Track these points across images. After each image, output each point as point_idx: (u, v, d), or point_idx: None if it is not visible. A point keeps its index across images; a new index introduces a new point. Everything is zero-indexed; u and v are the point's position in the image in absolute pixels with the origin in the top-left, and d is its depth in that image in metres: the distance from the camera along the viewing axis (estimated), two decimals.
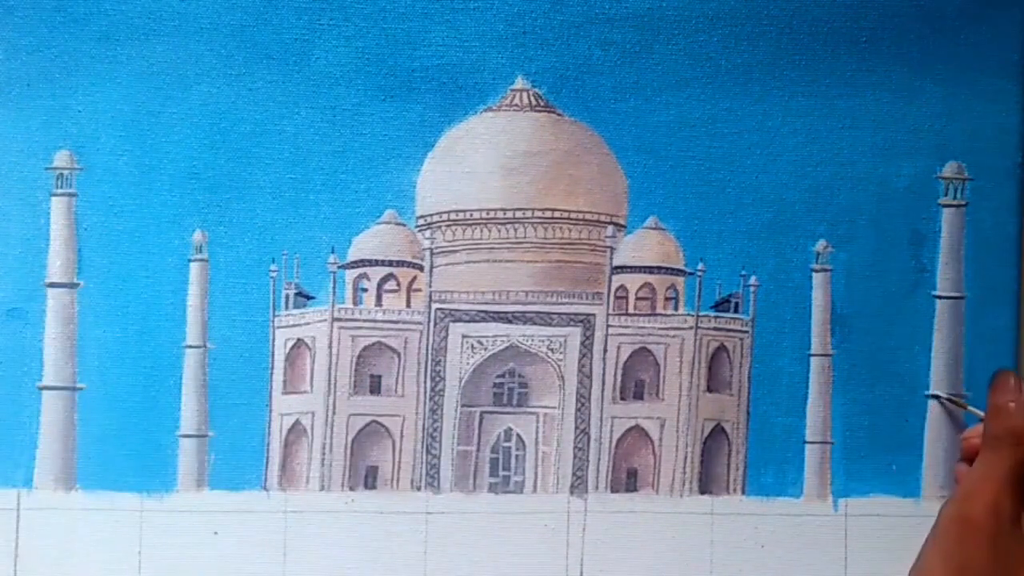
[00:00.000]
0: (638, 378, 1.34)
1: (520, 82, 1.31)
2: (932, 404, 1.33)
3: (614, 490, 1.32)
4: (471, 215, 1.32)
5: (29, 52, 1.28)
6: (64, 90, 1.28)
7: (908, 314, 1.33)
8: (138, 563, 1.28)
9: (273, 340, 1.30)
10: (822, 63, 1.32)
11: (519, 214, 1.32)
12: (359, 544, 1.30)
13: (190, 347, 1.29)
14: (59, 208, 1.28)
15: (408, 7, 1.29)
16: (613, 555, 1.31)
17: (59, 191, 1.28)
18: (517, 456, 1.32)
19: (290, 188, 1.30)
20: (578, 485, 1.32)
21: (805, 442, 1.33)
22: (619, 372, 1.34)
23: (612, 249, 1.34)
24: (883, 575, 1.32)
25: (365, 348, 1.33)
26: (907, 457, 1.33)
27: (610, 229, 1.34)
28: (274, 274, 1.30)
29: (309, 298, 1.32)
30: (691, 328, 1.34)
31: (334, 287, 1.32)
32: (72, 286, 1.28)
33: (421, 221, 1.33)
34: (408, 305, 1.34)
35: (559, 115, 1.31)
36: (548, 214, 1.32)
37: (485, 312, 1.33)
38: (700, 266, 1.33)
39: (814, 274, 1.33)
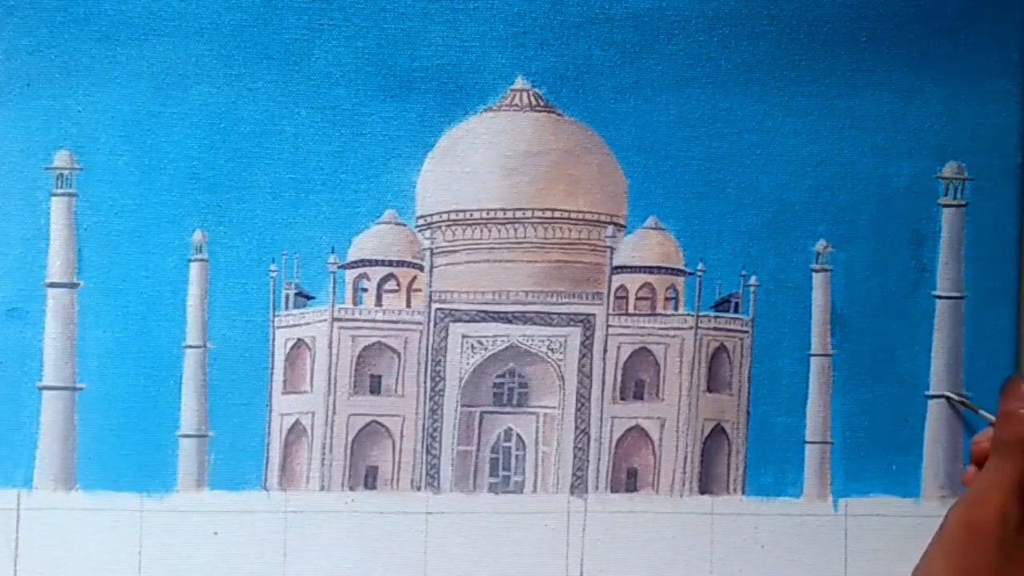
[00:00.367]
0: (638, 378, 1.34)
1: (520, 82, 1.31)
2: (932, 404, 1.33)
3: (614, 490, 1.32)
4: (471, 215, 1.32)
5: (29, 52, 1.28)
6: (64, 90, 1.28)
7: (908, 314, 1.33)
8: (138, 563, 1.28)
9: (273, 340, 1.31)
10: (822, 63, 1.32)
11: (519, 214, 1.32)
12: (359, 544, 1.30)
13: (190, 347, 1.29)
14: (59, 208, 1.28)
15: (408, 7, 1.29)
16: (613, 555, 1.31)
17: (59, 191, 1.28)
18: (517, 456, 1.32)
19: (290, 188, 1.30)
20: (578, 485, 1.32)
21: (805, 442, 1.33)
22: (619, 372, 1.34)
23: (612, 249, 1.34)
24: (883, 575, 1.32)
25: (365, 348, 1.33)
26: (907, 457, 1.33)
27: (610, 229, 1.34)
28: (274, 274, 1.30)
29: (309, 298, 1.32)
30: (691, 328, 1.34)
31: (334, 287, 1.32)
32: (72, 286, 1.29)
33: (421, 221, 1.33)
34: (408, 305, 1.34)
35: (559, 115, 1.31)
36: (548, 214, 1.32)
37: (485, 312, 1.33)
38: (700, 266, 1.33)
39: (814, 274, 1.33)
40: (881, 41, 1.32)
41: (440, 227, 1.33)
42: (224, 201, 1.29)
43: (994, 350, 1.33)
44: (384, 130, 1.30)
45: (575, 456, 1.32)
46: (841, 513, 1.32)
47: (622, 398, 1.34)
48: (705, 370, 1.34)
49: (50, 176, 1.28)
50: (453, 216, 1.32)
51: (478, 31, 1.30)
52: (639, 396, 1.34)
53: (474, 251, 1.33)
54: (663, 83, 1.31)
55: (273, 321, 1.30)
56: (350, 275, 1.33)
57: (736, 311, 1.33)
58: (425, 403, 1.32)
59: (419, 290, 1.34)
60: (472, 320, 1.32)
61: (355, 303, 1.34)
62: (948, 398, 1.32)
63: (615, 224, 1.34)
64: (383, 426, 1.32)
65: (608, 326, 1.34)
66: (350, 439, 1.32)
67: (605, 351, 1.34)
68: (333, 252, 1.31)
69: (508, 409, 1.33)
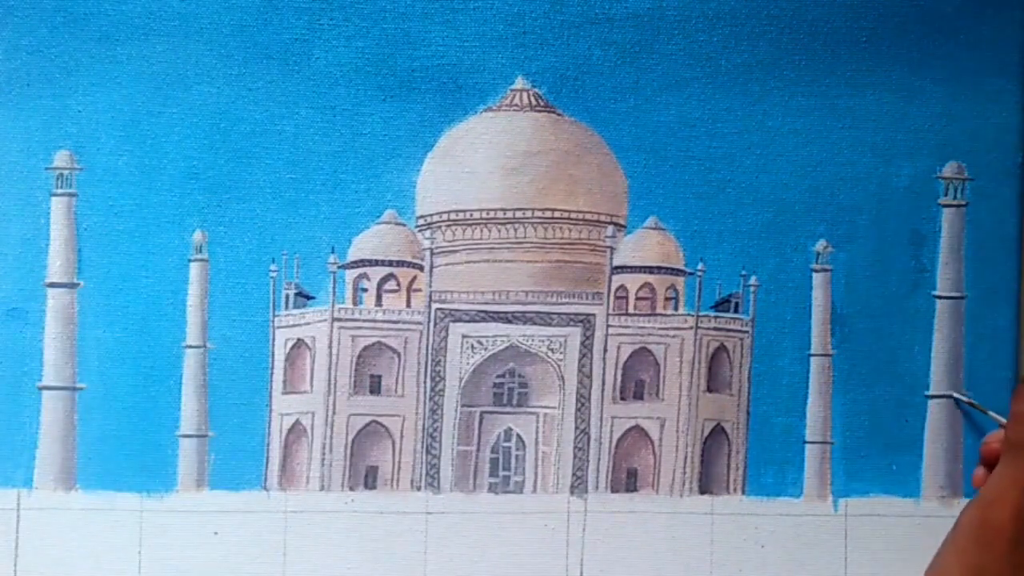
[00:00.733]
0: (638, 378, 1.34)
1: (520, 82, 1.31)
2: (932, 404, 1.33)
3: (614, 490, 1.32)
4: (471, 215, 1.32)
5: (29, 52, 1.28)
6: (64, 90, 1.28)
7: (908, 314, 1.33)
8: (138, 563, 1.28)
9: (273, 340, 1.31)
10: (822, 63, 1.32)
11: (519, 214, 1.32)
12: (359, 544, 1.30)
13: (190, 347, 1.29)
14: (59, 208, 1.28)
15: (408, 7, 1.29)
16: (613, 555, 1.31)
17: (59, 191, 1.28)
18: (517, 456, 1.32)
19: (290, 188, 1.30)
20: (578, 485, 1.32)
21: (805, 442, 1.33)
22: (619, 372, 1.34)
23: (612, 249, 1.34)
24: (883, 575, 1.32)
25: (365, 348, 1.33)
26: (907, 457, 1.33)
27: (610, 229, 1.34)
28: (274, 274, 1.30)
29: (309, 298, 1.32)
30: (691, 328, 1.34)
31: (334, 287, 1.32)
32: (72, 286, 1.28)
33: (421, 221, 1.33)
34: (408, 305, 1.34)
35: (559, 115, 1.31)
36: (548, 214, 1.32)
37: (485, 312, 1.33)
38: (700, 266, 1.33)
39: (814, 274, 1.33)
40: (881, 41, 1.32)
41: (440, 227, 1.33)
42: (224, 201, 1.29)
43: (994, 350, 1.33)
44: (384, 130, 1.30)
45: (575, 456, 1.32)
46: (841, 513, 1.32)
47: (622, 398, 1.34)
48: (705, 370, 1.34)
49: (50, 176, 1.28)
50: (453, 216, 1.32)
51: (478, 31, 1.30)
52: (639, 396, 1.34)
53: (474, 251, 1.33)
54: (663, 83, 1.31)
55: (273, 321, 1.30)
56: (350, 275, 1.33)
57: (736, 311, 1.33)
58: (425, 403, 1.32)
59: (419, 290, 1.34)
60: (472, 320, 1.32)
61: (355, 303, 1.34)
62: (956, 399, 1.32)
63: (615, 224, 1.34)
64: (383, 426, 1.32)
65: (608, 326, 1.34)
66: (350, 439, 1.32)
67: (605, 351, 1.34)
68: (333, 252, 1.31)
69: (508, 409, 1.33)
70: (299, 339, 1.32)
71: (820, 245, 1.33)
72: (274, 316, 1.31)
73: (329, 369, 1.32)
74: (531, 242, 1.33)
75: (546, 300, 1.33)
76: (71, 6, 1.28)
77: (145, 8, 1.28)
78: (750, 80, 1.32)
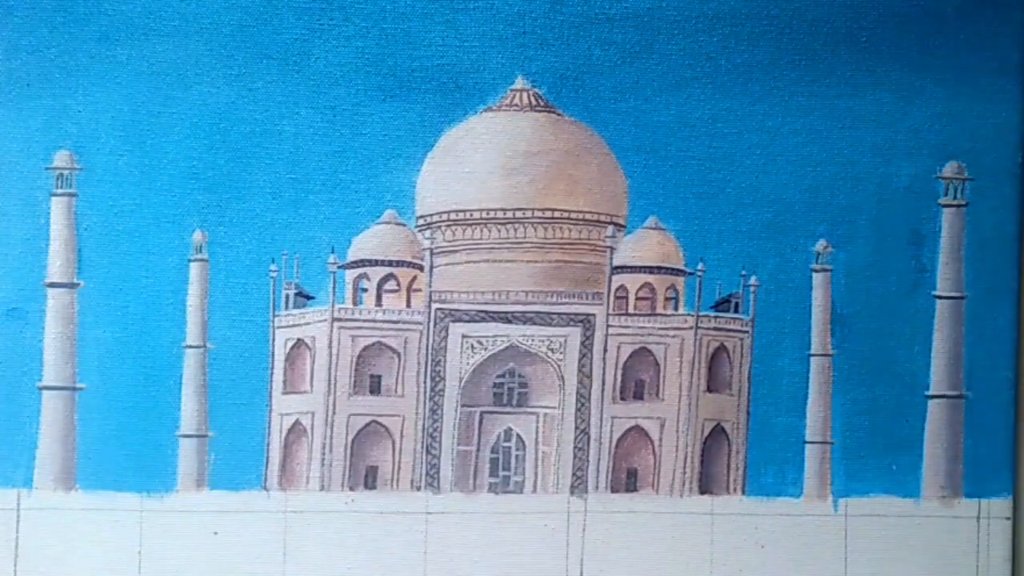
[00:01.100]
0: (638, 378, 1.34)
1: (520, 82, 1.31)
2: (932, 404, 1.33)
3: (614, 490, 1.32)
4: (471, 215, 1.32)
5: (29, 52, 1.28)
6: (64, 90, 1.28)
7: (908, 314, 1.33)
8: (138, 563, 1.28)
9: (273, 340, 1.31)
10: (822, 63, 1.32)
11: (519, 214, 1.32)
12: (359, 544, 1.30)
13: (190, 347, 1.29)
14: (59, 208, 1.28)
15: (408, 7, 1.29)
16: (613, 555, 1.31)
17: (59, 191, 1.28)
18: (517, 456, 1.32)
19: (290, 188, 1.30)
20: (578, 485, 1.32)
21: (805, 442, 1.33)
22: (619, 372, 1.34)
23: (612, 249, 1.34)
24: (883, 575, 1.32)
25: (365, 348, 1.33)
26: (907, 457, 1.33)
27: (610, 229, 1.34)
28: (274, 274, 1.30)
29: (309, 298, 1.32)
30: (691, 328, 1.34)
31: (334, 287, 1.32)
32: (72, 286, 1.29)
33: (421, 221, 1.33)
34: (408, 305, 1.34)
35: (559, 115, 1.31)
36: (548, 214, 1.32)
37: (485, 312, 1.33)
38: (700, 266, 1.33)
39: (814, 274, 1.33)
40: (881, 41, 1.32)
41: (440, 227, 1.33)
42: (224, 201, 1.29)
43: (994, 350, 1.33)
44: (384, 130, 1.30)
45: (575, 456, 1.32)
46: (841, 513, 1.32)
47: (622, 398, 1.34)
48: (705, 370, 1.34)
49: (50, 176, 1.28)
50: (453, 216, 1.32)
51: (478, 31, 1.30)
52: (639, 396, 1.34)
53: (474, 251, 1.33)
54: (663, 83, 1.31)
55: (273, 321, 1.30)
56: (350, 275, 1.33)
57: (736, 311, 1.34)
58: (425, 403, 1.32)
59: (419, 290, 1.34)
60: (472, 320, 1.32)
61: (355, 303, 1.34)
62: None
63: (615, 224, 1.34)
64: (383, 426, 1.32)
65: (608, 326, 1.34)
66: (350, 439, 1.32)
67: (605, 351, 1.34)
68: (333, 252, 1.31)
69: (508, 409, 1.33)
70: (299, 339, 1.32)
71: (820, 245, 1.33)
72: (274, 316, 1.31)
73: (329, 369, 1.32)
74: (531, 242, 1.33)
75: (546, 300, 1.33)
76: (71, 6, 1.28)
77: (145, 8, 1.28)
78: (750, 80, 1.32)
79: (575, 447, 1.33)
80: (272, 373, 1.31)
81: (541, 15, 1.30)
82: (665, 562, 1.31)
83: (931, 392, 1.33)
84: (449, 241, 1.33)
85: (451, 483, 1.31)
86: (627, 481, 1.33)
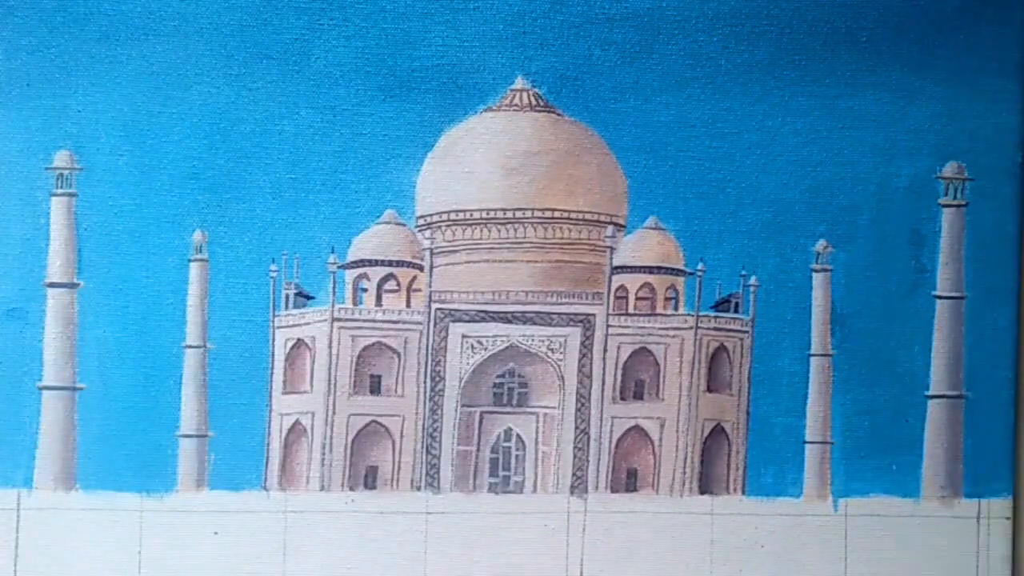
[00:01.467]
0: (638, 378, 1.34)
1: (520, 82, 1.31)
2: (932, 404, 1.33)
3: (614, 490, 1.32)
4: (471, 215, 1.32)
5: (29, 52, 1.28)
6: (64, 90, 1.28)
7: (908, 314, 1.33)
8: (138, 563, 1.28)
9: (273, 340, 1.31)
10: (822, 63, 1.32)
11: (519, 214, 1.32)
12: (359, 544, 1.30)
13: (190, 347, 1.29)
14: (59, 208, 1.28)
15: (408, 7, 1.29)
16: (613, 555, 1.31)
17: (59, 191, 1.28)
18: (517, 456, 1.32)
19: (290, 188, 1.30)
20: (578, 485, 1.32)
21: (805, 442, 1.33)
22: (619, 372, 1.34)
23: (612, 249, 1.34)
24: (883, 575, 1.32)
25: (365, 348, 1.33)
26: (907, 457, 1.33)
27: (610, 229, 1.34)
28: (274, 274, 1.30)
29: (309, 298, 1.32)
30: (691, 328, 1.34)
31: (334, 287, 1.32)
32: (72, 286, 1.29)
33: (421, 221, 1.33)
34: (408, 305, 1.34)
35: (559, 115, 1.31)
36: (548, 214, 1.32)
37: (485, 312, 1.33)
38: (700, 266, 1.33)
39: (814, 274, 1.33)
40: (881, 41, 1.32)
41: (440, 227, 1.33)
42: (224, 201, 1.29)
43: (994, 350, 1.33)
44: (384, 130, 1.30)
45: (575, 456, 1.32)
46: (841, 513, 1.32)
47: (622, 398, 1.34)
48: (705, 370, 1.34)
49: (50, 176, 1.28)
50: (453, 216, 1.32)
51: (478, 31, 1.30)
52: (639, 396, 1.34)
53: (474, 251, 1.33)
54: (663, 83, 1.31)
55: (273, 321, 1.30)
56: (350, 275, 1.33)
57: (736, 311, 1.34)
58: (425, 403, 1.32)
59: (419, 290, 1.34)
60: (472, 320, 1.32)
61: (355, 303, 1.34)
62: None
63: (615, 224, 1.34)
64: (383, 426, 1.32)
65: (608, 326, 1.34)
66: (350, 439, 1.32)
67: (605, 351, 1.34)
68: (333, 252, 1.31)
69: (508, 409, 1.33)
70: (299, 339, 1.32)
71: (820, 245, 1.33)
72: (274, 316, 1.31)
73: (329, 369, 1.32)
74: (531, 242, 1.33)
75: (546, 300, 1.33)
76: (71, 6, 1.28)
77: (145, 8, 1.28)
78: (750, 80, 1.32)
79: (575, 447, 1.33)
80: (272, 373, 1.31)
81: (541, 15, 1.30)
82: (665, 562, 1.31)
83: (931, 392, 1.33)
84: (449, 241, 1.33)
85: (451, 483, 1.31)
86: (627, 481, 1.33)
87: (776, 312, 1.33)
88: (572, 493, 1.32)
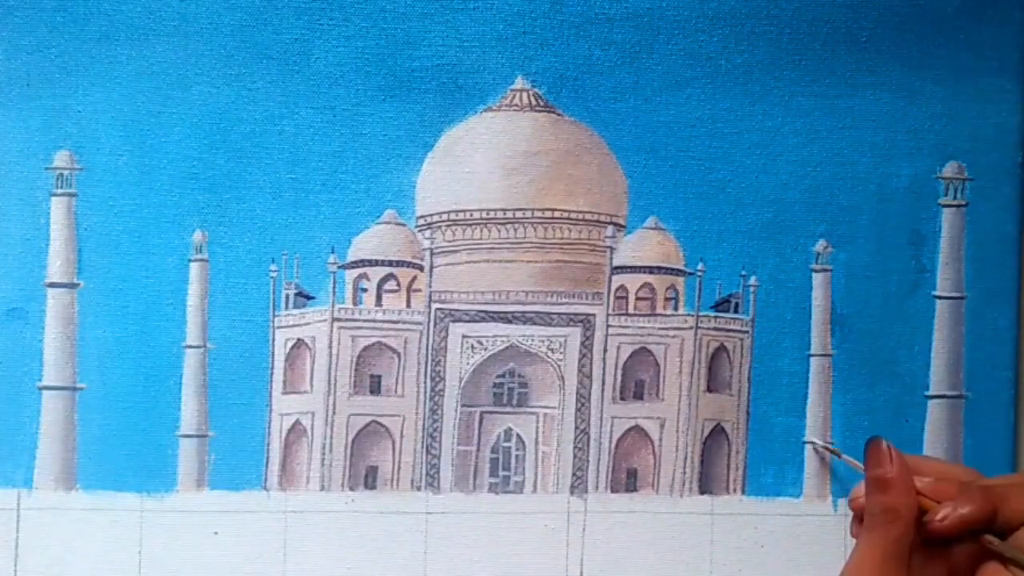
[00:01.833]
0: (638, 378, 1.34)
1: (520, 82, 1.31)
2: (932, 404, 1.33)
3: (614, 490, 1.32)
4: (471, 215, 1.32)
5: (29, 52, 1.28)
6: (64, 90, 1.28)
7: (908, 314, 1.33)
8: (138, 563, 1.28)
9: (273, 340, 1.31)
10: (822, 63, 1.32)
11: (519, 214, 1.32)
12: (359, 544, 1.30)
13: (190, 347, 1.29)
14: (59, 208, 1.28)
15: (408, 7, 1.29)
16: (613, 555, 1.31)
17: (59, 191, 1.28)
18: (517, 456, 1.32)
19: (290, 188, 1.30)
20: (578, 485, 1.32)
21: (805, 442, 1.33)
22: (619, 372, 1.34)
23: (612, 249, 1.34)
24: None
25: (365, 348, 1.33)
26: None
27: (610, 229, 1.34)
28: (274, 274, 1.30)
29: (309, 298, 1.32)
30: (691, 328, 1.34)
31: (334, 287, 1.32)
32: (72, 286, 1.29)
33: (421, 221, 1.33)
34: (408, 305, 1.34)
35: (559, 115, 1.31)
36: (548, 214, 1.32)
37: (485, 312, 1.33)
38: (700, 266, 1.33)
39: (814, 274, 1.33)
40: (881, 41, 1.32)
41: (440, 227, 1.33)
42: (224, 201, 1.29)
43: (994, 350, 1.33)
44: (384, 130, 1.30)
45: (575, 456, 1.32)
46: (841, 513, 1.32)
47: (622, 398, 1.34)
48: (705, 370, 1.34)
49: (50, 176, 1.28)
50: (453, 216, 1.32)
51: (478, 31, 1.30)
52: (639, 396, 1.34)
53: (474, 251, 1.33)
54: (663, 83, 1.31)
55: (273, 321, 1.30)
56: (350, 275, 1.33)
57: (736, 311, 1.33)
58: (425, 403, 1.32)
59: (419, 290, 1.34)
60: (472, 320, 1.32)
61: (355, 303, 1.34)
62: (813, 444, 1.32)
63: (615, 224, 1.34)
64: (383, 426, 1.32)
65: (608, 326, 1.34)
66: (350, 439, 1.32)
67: (605, 351, 1.34)
68: (333, 252, 1.31)
69: (508, 409, 1.33)
70: (299, 339, 1.32)
71: (820, 245, 1.33)
72: (274, 316, 1.31)
73: (329, 369, 1.32)
74: (531, 242, 1.33)
75: (546, 300, 1.33)
76: (71, 6, 1.28)
77: (145, 8, 1.28)
78: (750, 80, 1.32)
79: (575, 447, 1.33)
80: (272, 373, 1.31)
81: (541, 15, 1.30)
82: (665, 562, 1.31)
83: (931, 392, 1.33)
84: (449, 241, 1.33)
85: (451, 483, 1.31)
86: (627, 481, 1.33)
87: (776, 312, 1.33)
88: (572, 493, 1.32)
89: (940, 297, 1.33)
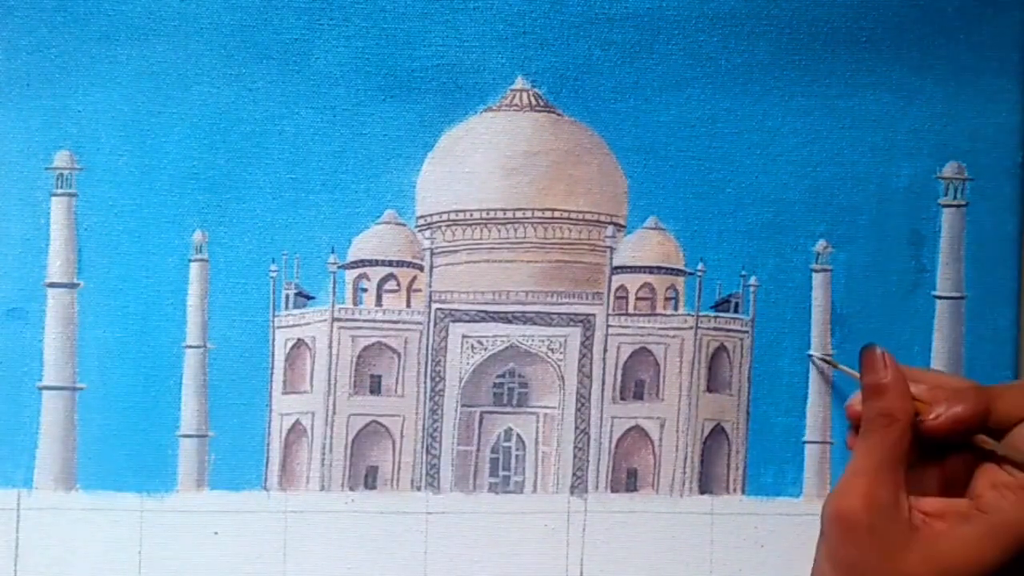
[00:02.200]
0: (638, 378, 1.34)
1: (520, 82, 1.31)
2: None
3: (614, 490, 1.32)
4: (471, 215, 1.32)
5: (29, 52, 1.28)
6: (64, 90, 1.28)
7: (908, 314, 1.33)
8: (138, 563, 1.28)
9: (273, 340, 1.31)
10: (822, 63, 1.32)
11: (519, 214, 1.32)
12: (359, 544, 1.30)
13: (190, 347, 1.29)
14: (59, 208, 1.28)
15: (408, 7, 1.29)
16: (613, 555, 1.31)
17: (59, 191, 1.28)
18: (517, 456, 1.32)
19: (290, 188, 1.30)
20: (578, 485, 1.32)
21: (805, 442, 1.33)
22: (619, 372, 1.34)
23: (612, 249, 1.34)
24: None
25: (365, 348, 1.33)
26: None
27: (610, 229, 1.34)
28: (274, 274, 1.30)
29: (309, 298, 1.32)
30: (691, 328, 1.34)
31: (334, 287, 1.32)
32: (72, 286, 1.29)
33: (421, 221, 1.33)
34: (408, 305, 1.34)
35: (559, 115, 1.31)
36: (548, 214, 1.32)
37: (485, 312, 1.33)
38: (700, 266, 1.33)
39: (814, 274, 1.33)
40: (881, 41, 1.32)
41: (440, 227, 1.33)
42: (224, 201, 1.29)
43: (994, 350, 1.33)
44: (384, 130, 1.30)
45: (575, 456, 1.32)
46: None
47: (622, 398, 1.34)
48: (705, 370, 1.34)
49: (50, 176, 1.28)
50: (453, 216, 1.32)
51: (478, 31, 1.30)
52: (639, 396, 1.34)
53: (474, 251, 1.33)
54: (663, 83, 1.31)
55: (273, 321, 1.30)
56: (350, 275, 1.33)
57: (736, 311, 1.33)
58: (425, 403, 1.32)
59: (419, 290, 1.34)
60: (472, 320, 1.32)
61: (355, 303, 1.34)
62: (810, 356, 1.32)
63: (615, 224, 1.34)
64: (383, 426, 1.32)
65: (608, 326, 1.34)
66: (350, 439, 1.32)
67: (605, 351, 1.34)
68: (333, 252, 1.31)
69: (508, 409, 1.33)
70: (299, 339, 1.32)
71: (820, 245, 1.33)
72: (274, 316, 1.31)
73: (329, 369, 1.32)
74: (531, 242, 1.33)
75: (546, 300, 1.33)
76: (71, 6, 1.28)
77: (145, 8, 1.28)
78: (750, 80, 1.32)
79: (575, 447, 1.33)
80: (272, 373, 1.31)
81: (541, 15, 1.30)
82: (665, 562, 1.31)
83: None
84: (449, 241, 1.33)
85: (451, 483, 1.31)
86: (627, 481, 1.33)
87: (776, 312, 1.33)
88: (572, 493, 1.32)
89: (940, 297, 1.33)
